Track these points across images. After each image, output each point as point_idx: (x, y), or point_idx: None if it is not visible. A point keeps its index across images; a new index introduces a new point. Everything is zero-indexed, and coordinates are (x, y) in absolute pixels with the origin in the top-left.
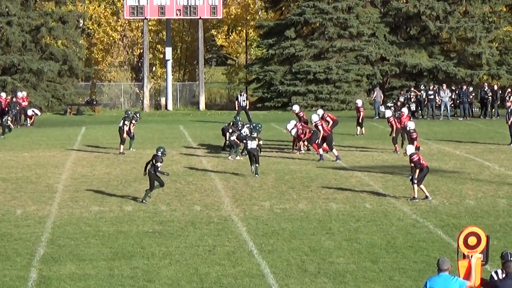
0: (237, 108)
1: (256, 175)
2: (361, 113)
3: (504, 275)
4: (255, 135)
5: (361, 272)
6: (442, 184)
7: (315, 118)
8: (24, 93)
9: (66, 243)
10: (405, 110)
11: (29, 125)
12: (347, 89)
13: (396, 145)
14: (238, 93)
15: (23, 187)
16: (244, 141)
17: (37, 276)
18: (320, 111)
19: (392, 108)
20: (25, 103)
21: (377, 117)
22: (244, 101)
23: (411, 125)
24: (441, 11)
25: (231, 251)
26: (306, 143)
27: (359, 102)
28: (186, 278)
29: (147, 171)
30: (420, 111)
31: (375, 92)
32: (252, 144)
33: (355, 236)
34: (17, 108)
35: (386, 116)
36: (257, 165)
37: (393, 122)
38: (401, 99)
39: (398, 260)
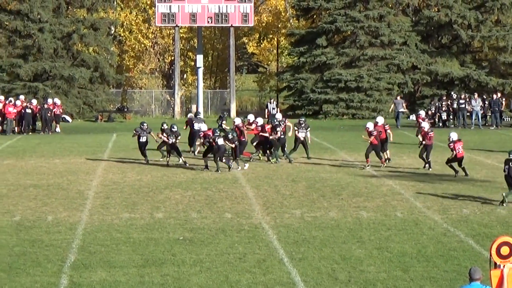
0: (267, 116)
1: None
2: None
3: None
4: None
5: (392, 281)
6: (473, 193)
7: (370, 126)
8: (58, 100)
9: (97, 250)
10: (425, 124)
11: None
12: (378, 98)
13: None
14: (268, 101)
15: (54, 193)
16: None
17: (68, 282)
18: (381, 119)
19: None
20: (58, 110)
21: (398, 127)
22: (274, 108)
23: (425, 125)
24: (473, 20)
25: (262, 259)
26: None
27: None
28: (217, 286)
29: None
30: (451, 120)
31: (395, 104)
32: (220, 141)
33: (386, 244)
34: (48, 114)
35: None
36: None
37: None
38: (432, 108)
39: (429, 269)
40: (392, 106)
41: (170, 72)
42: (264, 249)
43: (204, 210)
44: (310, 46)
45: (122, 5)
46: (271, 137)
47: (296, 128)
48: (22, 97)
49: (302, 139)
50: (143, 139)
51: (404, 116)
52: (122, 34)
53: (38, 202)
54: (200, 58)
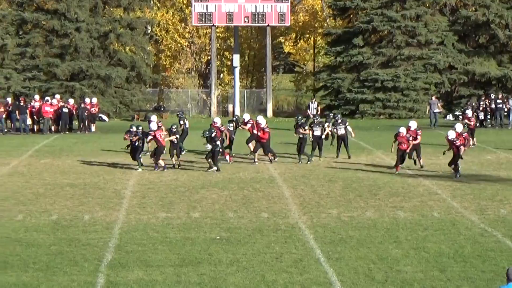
0: (307, 116)
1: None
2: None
3: None
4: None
5: (429, 281)
6: (510, 194)
7: (451, 135)
8: (95, 100)
9: (134, 249)
10: (458, 126)
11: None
12: (415, 97)
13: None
14: (310, 101)
15: (91, 192)
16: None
17: (105, 281)
18: (459, 127)
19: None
20: (94, 109)
21: (433, 127)
22: (315, 108)
23: (451, 134)
24: (511, 19)
25: (299, 258)
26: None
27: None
28: (253, 285)
29: None
30: (489, 120)
31: (430, 105)
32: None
33: (423, 244)
34: (85, 114)
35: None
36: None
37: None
38: (469, 108)
39: (466, 270)
40: (430, 105)
41: (207, 71)
42: (300, 248)
43: (241, 209)
44: (346, 45)
45: (158, 5)
46: (300, 134)
47: (333, 126)
48: (57, 96)
49: (341, 135)
50: (138, 144)
51: (440, 116)
52: (159, 34)
53: (75, 201)
54: (236, 58)
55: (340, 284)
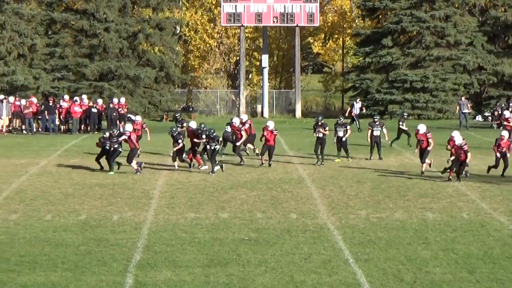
0: (352, 115)
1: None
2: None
3: None
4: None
5: (458, 282)
6: None
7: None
8: (123, 100)
9: (162, 249)
10: (504, 133)
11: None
12: (444, 98)
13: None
14: (354, 100)
15: (120, 193)
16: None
17: (133, 281)
18: (422, 127)
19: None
20: (123, 110)
21: (463, 128)
22: (360, 108)
23: (458, 139)
24: None
25: (327, 259)
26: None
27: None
28: (282, 286)
29: None
30: None
31: (460, 105)
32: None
33: (452, 246)
34: (114, 114)
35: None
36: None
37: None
38: (498, 109)
39: (496, 271)
40: (460, 105)
41: (235, 72)
42: (329, 249)
43: (269, 210)
44: (375, 46)
45: (187, 5)
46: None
47: (370, 127)
48: (84, 96)
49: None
50: (112, 148)
51: (470, 117)
52: (188, 34)
53: (104, 201)
54: (265, 58)
55: (368, 285)
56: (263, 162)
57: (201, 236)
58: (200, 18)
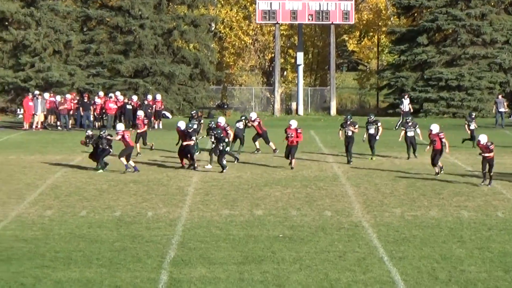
0: (402, 112)
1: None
2: None
3: None
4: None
5: (493, 281)
6: None
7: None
8: (159, 96)
9: (197, 246)
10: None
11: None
12: (480, 97)
13: None
14: (402, 97)
15: (154, 189)
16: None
17: (168, 278)
18: (435, 127)
19: None
20: (158, 106)
21: (499, 127)
22: (408, 104)
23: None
24: None
25: (362, 257)
26: None
27: None
28: (316, 284)
29: None
30: None
31: (496, 104)
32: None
33: (487, 244)
34: (148, 110)
35: None
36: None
37: None
38: None
39: None
40: (497, 104)
41: (270, 69)
42: (364, 247)
43: (304, 207)
44: (410, 44)
45: (222, 2)
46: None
47: (403, 128)
48: (118, 93)
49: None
50: (104, 146)
51: (506, 115)
52: (223, 31)
53: (138, 197)
54: (300, 56)
55: (403, 283)
56: (293, 166)
57: (235, 233)
58: (235, 15)
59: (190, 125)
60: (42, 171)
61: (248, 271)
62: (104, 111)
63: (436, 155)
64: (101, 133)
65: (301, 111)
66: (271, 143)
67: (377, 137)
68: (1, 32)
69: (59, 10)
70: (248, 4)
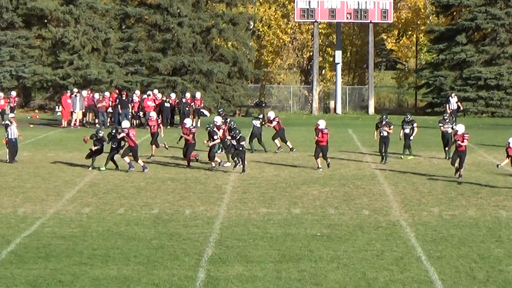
0: (450, 111)
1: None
2: None
3: None
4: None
5: None
6: None
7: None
8: (199, 94)
9: (234, 244)
10: None
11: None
12: None
13: None
14: (449, 95)
15: (192, 187)
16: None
17: (205, 276)
18: (461, 127)
19: None
20: (197, 104)
21: None
22: (456, 103)
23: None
24: None
25: (399, 256)
26: None
27: None
28: (354, 283)
29: None
30: None
31: None
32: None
33: None
34: (187, 108)
35: None
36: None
37: None
38: None
39: None
40: None
41: (309, 67)
42: (401, 246)
43: (342, 206)
44: (449, 43)
45: (261, 0)
46: (385, 132)
47: (441, 124)
48: (156, 91)
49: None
50: (98, 147)
51: None
52: (261, 29)
53: (176, 195)
54: (338, 54)
55: (441, 283)
56: (319, 166)
57: (273, 232)
58: (274, 13)
59: (211, 125)
60: (80, 168)
61: (286, 269)
62: (142, 109)
63: (460, 156)
64: (113, 131)
65: (339, 110)
66: (288, 142)
67: (412, 137)
68: (40, 29)
69: (97, 8)
70: (287, 2)
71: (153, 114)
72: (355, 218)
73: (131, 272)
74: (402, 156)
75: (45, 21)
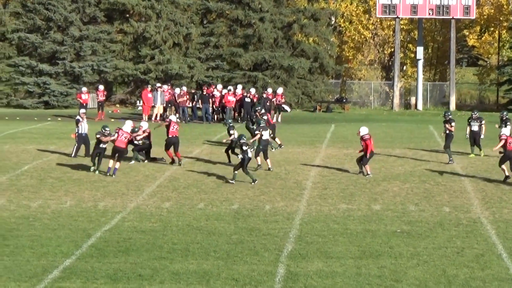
0: None
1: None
2: None
3: None
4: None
5: None
6: None
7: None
8: (280, 90)
9: (314, 240)
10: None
11: (279, 121)
12: None
13: None
14: None
15: (272, 183)
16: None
17: (285, 271)
18: (507, 130)
19: None
20: (279, 100)
21: None
22: None
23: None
24: None
25: (480, 253)
26: None
27: None
28: (434, 280)
29: None
30: None
31: None
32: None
33: None
34: (267, 104)
35: None
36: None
37: None
38: None
39: None
40: None
41: (390, 63)
42: (482, 243)
43: (422, 203)
44: None
45: None
46: (446, 131)
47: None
48: (239, 86)
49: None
50: (103, 145)
51: None
52: (342, 25)
53: (256, 191)
54: (420, 50)
55: None
56: (369, 172)
57: (353, 228)
58: (355, 9)
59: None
60: (161, 163)
61: (366, 265)
62: (223, 104)
63: (510, 158)
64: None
65: (420, 106)
66: (276, 138)
67: (482, 135)
68: (122, 24)
69: (179, 3)
70: None
71: (173, 118)
72: (436, 215)
73: (211, 266)
74: (482, 154)
75: (127, 15)
